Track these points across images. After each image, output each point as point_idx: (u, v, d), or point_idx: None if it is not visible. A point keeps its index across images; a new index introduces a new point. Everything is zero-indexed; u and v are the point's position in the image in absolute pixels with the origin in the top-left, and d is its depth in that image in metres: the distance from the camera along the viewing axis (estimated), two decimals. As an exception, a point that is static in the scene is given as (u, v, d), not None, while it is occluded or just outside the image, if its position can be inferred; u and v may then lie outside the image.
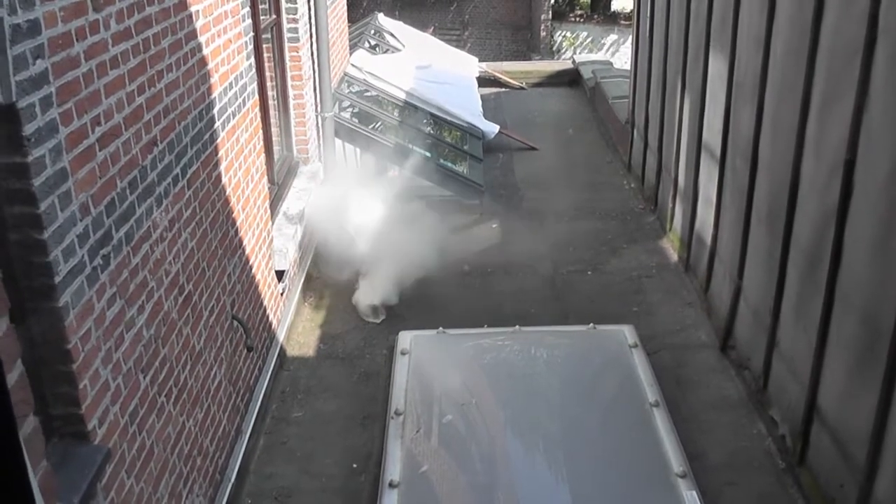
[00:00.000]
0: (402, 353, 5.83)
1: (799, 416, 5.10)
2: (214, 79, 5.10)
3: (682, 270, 7.94)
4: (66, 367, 3.24)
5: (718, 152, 6.80)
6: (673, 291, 7.66)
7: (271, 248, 6.53)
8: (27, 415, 1.74)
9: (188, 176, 4.58)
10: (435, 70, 13.11)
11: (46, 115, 3.04)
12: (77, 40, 3.29)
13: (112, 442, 3.56)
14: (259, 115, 6.29)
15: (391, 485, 4.59)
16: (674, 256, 8.26)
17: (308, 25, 8.38)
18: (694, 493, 4.47)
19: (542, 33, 22.72)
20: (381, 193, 8.48)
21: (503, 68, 16.03)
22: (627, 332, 6.05)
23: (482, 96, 13.38)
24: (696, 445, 5.41)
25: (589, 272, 8.09)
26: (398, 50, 13.65)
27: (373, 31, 14.02)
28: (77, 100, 3.28)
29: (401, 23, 15.48)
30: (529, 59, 21.14)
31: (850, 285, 4.53)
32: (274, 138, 7.59)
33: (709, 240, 7.08)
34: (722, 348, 6.58)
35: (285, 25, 7.97)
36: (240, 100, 5.67)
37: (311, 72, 8.55)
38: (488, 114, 12.58)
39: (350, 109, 10.65)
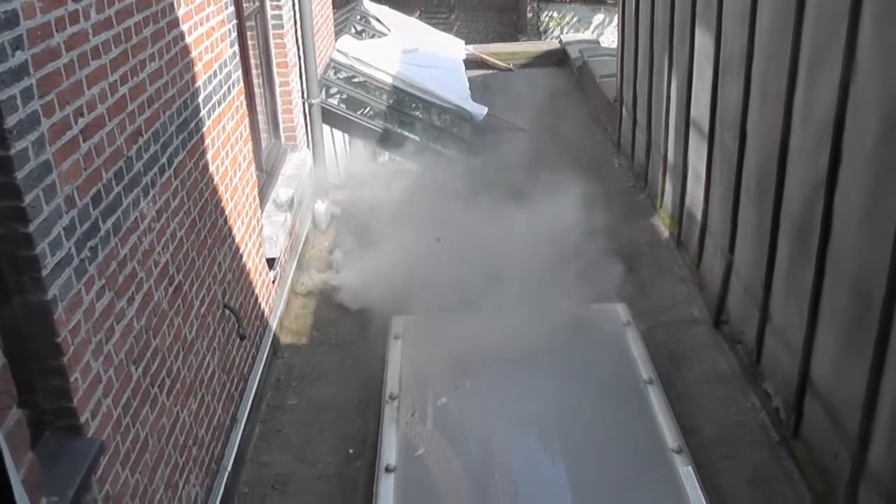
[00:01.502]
0: (395, 338, 5.84)
1: (792, 389, 5.12)
2: (198, 67, 5.06)
3: (673, 247, 7.94)
4: (57, 360, 3.23)
5: (707, 127, 6.79)
6: (665, 268, 7.67)
7: (261, 237, 6.51)
8: (10, 407, 1.72)
9: (175, 165, 4.56)
10: (422, 54, 13.05)
11: (28, 107, 3.01)
12: (57, 31, 3.26)
13: (105, 434, 3.55)
14: (245, 102, 6.26)
15: (387, 469, 4.60)
16: (665, 233, 8.27)
17: (292, 12, 8.33)
18: (689, 468, 4.49)
19: (529, 14, 22.62)
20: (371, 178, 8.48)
21: (490, 50, 15.97)
22: (620, 310, 6.07)
23: (469, 79, 13.31)
24: (690, 420, 5.42)
25: (581, 251, 8.07)
26: (384, 35, 13.58)
27: (358, 17, 13.94)
28: (59, 91, 3.25)
29: (386, 7, 15.38)
30: (516, 40, 21.05)
31: (841, 255, 4.53)
32: (261, 126, 7.56)
33: (699, 215, 7.09)
34: (715, 323, 6.60)
35: (269, 12, 7.93)
36: (225, 88, 5.64)
37: (297, 58, 8.51)
38: (476, 96, 12.53)
39: (337, 95, 10.61)
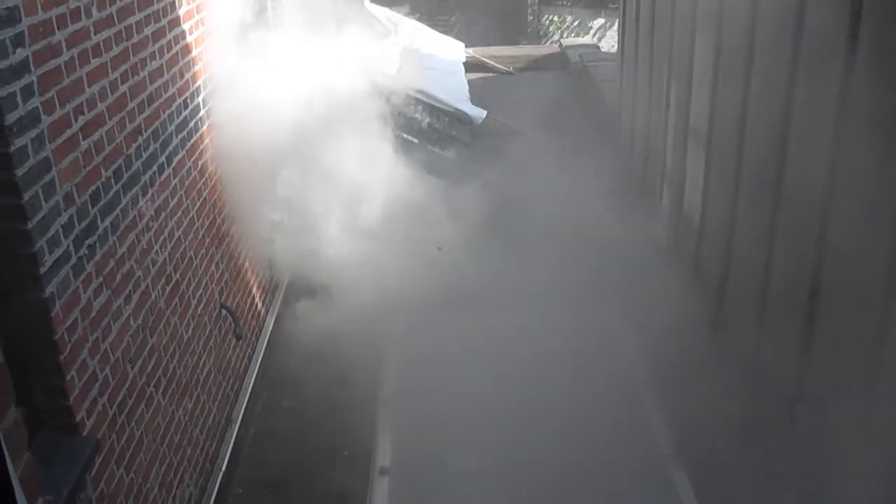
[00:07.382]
0: (391, 339, 5.82)
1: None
2: (198, 66, 5.06)
3: (671, 251, 7.93)
4: (53, 358, 3.23)
5: (705, 134, 6.79)
6: (662, 272, 7.64)
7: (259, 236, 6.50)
8: (8, 406, 1.71)
9: (174, 164, 4.56)
10: (422, 55, 13.06)
11: (28, 104, 3.01)
12: (58, 28, 3.26)
13: (101, 433, 3.55)
14: (244, 102, 6.25)
15: (382, 471, 4.59)
16: (663, 237, 8.25)
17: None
18: (684, 473, 4.49)
19: (529, 17, 22.62)
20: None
21: (490, 53, 15.97)
22: (617, 312, 6.06)
23: (469, 81, 13.32)
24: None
25: (579, 254, 8.06)
26: (385, 36, 13.58)
27: (359, 18, 13.95)
28: (59, 88, 3.25)
29: (387, 9, 15.39)
30: (516, 43, 21.05)
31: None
32: (260, 126, 7.54)
33: (697, 221, 7.08)
34: (712, 329, 6.58)
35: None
36: (225, 87, 5.63)
37: (297, 58, 8.49)
38: (475, 99, 12.53)
39: (337, 96, 10.60)
